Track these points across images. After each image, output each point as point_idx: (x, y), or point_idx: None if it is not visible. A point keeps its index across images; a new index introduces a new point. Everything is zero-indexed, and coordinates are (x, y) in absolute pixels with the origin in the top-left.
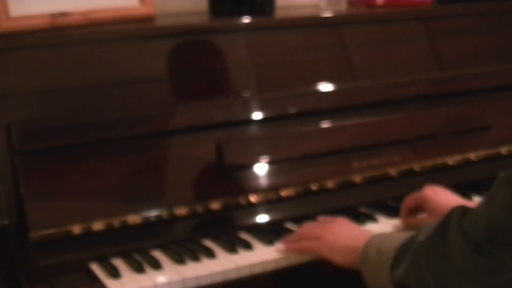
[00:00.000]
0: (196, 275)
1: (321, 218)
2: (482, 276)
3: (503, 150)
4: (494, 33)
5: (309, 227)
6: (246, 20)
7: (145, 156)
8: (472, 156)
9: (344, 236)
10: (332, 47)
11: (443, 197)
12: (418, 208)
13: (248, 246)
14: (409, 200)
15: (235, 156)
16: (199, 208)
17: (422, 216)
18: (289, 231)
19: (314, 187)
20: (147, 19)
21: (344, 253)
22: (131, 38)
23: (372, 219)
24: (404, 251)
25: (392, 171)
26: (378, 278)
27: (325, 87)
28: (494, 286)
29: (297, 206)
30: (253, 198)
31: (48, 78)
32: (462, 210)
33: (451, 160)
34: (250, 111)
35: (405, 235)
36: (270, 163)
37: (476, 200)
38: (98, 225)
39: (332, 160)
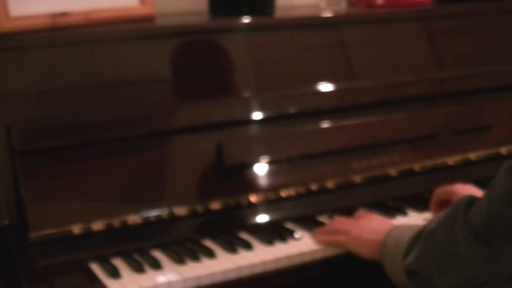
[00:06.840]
0: (196, 275)
1: (357, 213)
2: (482, 264)
3: (503, 150)
4: (494, 33)
5: (340, 222)
6: (246, 20)
7: (145, 156)
8: (472, 156)
9: (369, 230)
10: (332, 47)
11: (472, 192)
12: (447, 202)
13: (248, 246)
14: (438, 193)
15: (235, 156)
16: (199, 208)
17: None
18: (289, 231)
19: (314, 187)
20: (147, 19)
21: (368, 247)
22: (131, 38)
23: None
24: (415, 239)
25: (392, 171)
26: (395, 268)
27: (325, 87)
28: (493, 274)
29: (297, 206)
30: (253, 198)
31: (48, 78)
32: (469, 200)
33: (451, 160)
34: (250, 111)
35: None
36: (270, 163)
37: None
38: (98, 225)
39: (332, 160)
